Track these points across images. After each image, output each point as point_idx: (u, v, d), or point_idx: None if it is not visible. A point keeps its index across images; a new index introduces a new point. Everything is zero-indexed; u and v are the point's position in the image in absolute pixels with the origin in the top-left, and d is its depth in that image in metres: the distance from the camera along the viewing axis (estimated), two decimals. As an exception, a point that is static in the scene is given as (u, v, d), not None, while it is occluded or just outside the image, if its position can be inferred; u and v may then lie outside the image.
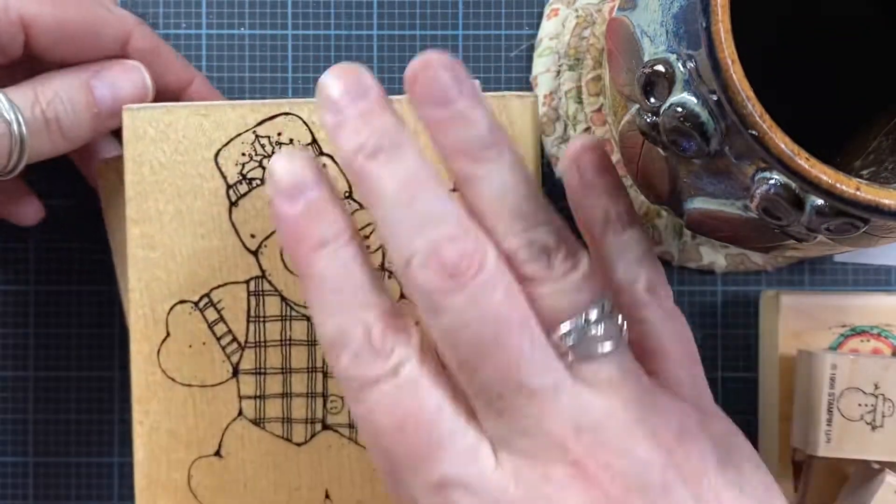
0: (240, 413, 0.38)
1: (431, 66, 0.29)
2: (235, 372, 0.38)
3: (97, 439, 0.45)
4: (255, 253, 0.37)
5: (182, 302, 0.37)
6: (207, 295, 0.37)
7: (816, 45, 0.41)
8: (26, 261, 0.44)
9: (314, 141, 0.37)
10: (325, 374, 0.38)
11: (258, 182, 0.37)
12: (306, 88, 0.44)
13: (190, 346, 0.37)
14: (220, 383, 0.37)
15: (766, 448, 0.43)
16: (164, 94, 0.40)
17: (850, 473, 0.39)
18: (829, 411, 0.37)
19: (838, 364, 0.37)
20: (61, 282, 0.44)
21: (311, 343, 0.38)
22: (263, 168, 0.37)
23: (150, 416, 0.37)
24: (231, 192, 0.37)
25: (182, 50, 0.44)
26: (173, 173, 0.37)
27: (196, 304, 0.37)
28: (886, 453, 0.37)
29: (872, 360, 0.37)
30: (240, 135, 0.37)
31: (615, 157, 0.43)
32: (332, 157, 0.37)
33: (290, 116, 0.37)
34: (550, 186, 0.44)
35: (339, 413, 0.38)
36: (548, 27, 0.44)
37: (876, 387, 0.37)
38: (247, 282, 0.37)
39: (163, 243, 0.37)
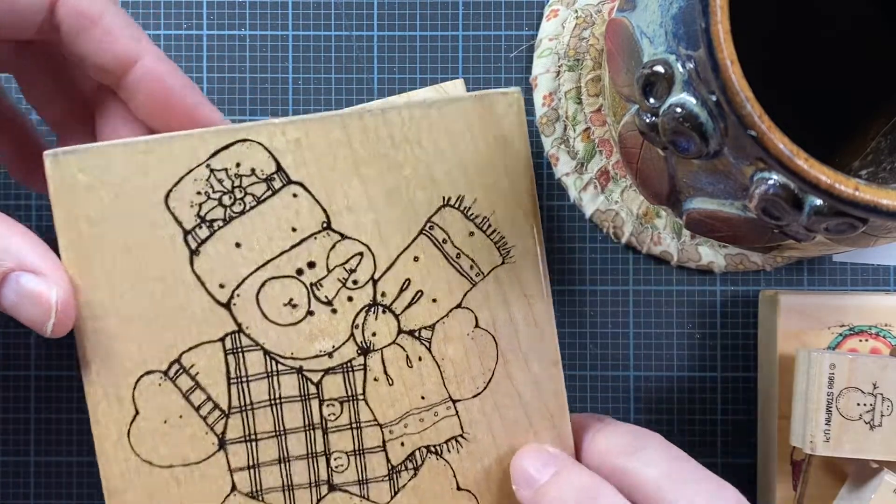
0: (233, 488, 0.33)
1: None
2: (222, 443, 0.33)
3: (98, 439, 0.45)
4: (227, 305, 0.33)
5: (149, 373, 0.33)
6: (178, 360, 0.33)
7: (816, 45, 0.41)
8: (27, 261, 0.45)
9: (279, 169, 0.32)
10: (325, 431, 0.33)
11: (220, 223, 0.32)
12: (306, 89, 0.44)
13: (165, 422, 0.33)
14: (206, 458, 0.33)
15: (765, 447, 0.43)
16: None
17: (848, 472, 0.39)
18: (828, 411, 0.37)
19: (837, 363, 0.37)
20: (62, 282, 0.44)
21: (305, 398, 0.33)
22: (224, 206, 0.32)
23: None
24: (190, 238, 0.32)
25: (183, 51, 0.44)
26: (117, 224, 0.32)
27: (165, 372, 0.33)
28: (885, 452, 0.37)
29: (871, 359, 0.37)
30: (191, 171, 0.32)
31: (614, 157, 0.43)
32: (302, 185, 0.33)
33: (248, 143, 0.32)
34: (550, 186, 0.44)
35: (345, 471, 0.34)
36: (547, 28, 0.44)
37: (874, 386, 0.37)
38: (222, 339, 0.33)
39: (115, 309, 0.32)
